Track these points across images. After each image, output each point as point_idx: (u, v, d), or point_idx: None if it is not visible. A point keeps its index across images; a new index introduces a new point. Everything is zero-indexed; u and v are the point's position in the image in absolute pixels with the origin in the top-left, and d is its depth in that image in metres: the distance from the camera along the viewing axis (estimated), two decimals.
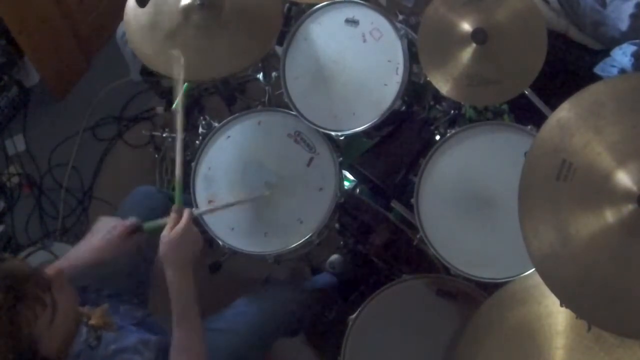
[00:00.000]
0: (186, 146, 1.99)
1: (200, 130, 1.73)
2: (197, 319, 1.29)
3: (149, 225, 1.39)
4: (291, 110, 1.58)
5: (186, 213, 1.32)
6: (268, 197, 1.55)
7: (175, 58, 1.40)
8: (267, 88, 1.81)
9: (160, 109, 2.28)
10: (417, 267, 1.55)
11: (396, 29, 1.52)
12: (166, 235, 1.29)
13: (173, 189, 2.08)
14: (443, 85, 1.41)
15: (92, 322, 1.16)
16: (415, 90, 1.58)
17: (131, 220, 1.39)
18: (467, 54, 1.39)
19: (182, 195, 1.36)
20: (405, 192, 1.53)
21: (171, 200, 1.40)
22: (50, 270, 1.13)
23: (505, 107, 1.76)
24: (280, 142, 1.60)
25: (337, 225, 1.64)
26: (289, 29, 1.62)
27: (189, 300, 1.28)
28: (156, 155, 2.26)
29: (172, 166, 2.14)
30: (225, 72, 1.58)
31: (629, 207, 0.95)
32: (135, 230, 1.38)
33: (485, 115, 1.76)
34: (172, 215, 1.32)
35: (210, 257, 1.82)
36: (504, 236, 1.37)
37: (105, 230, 1.37)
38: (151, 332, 1.35)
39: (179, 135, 1.38)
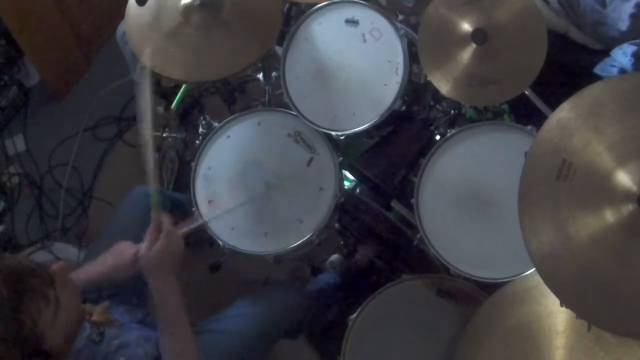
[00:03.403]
0: (186, 146, 2.00)
1: (200, 130, 1.73)
2: (184, 325, 1.28)
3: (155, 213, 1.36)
4: (291, 110, 1.58)
5: (164, 226, 1.30)
6: (267, 192, 1.55)
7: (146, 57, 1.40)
8: (267, 88, 1.81)
9: (160, 109, 2.28)
10: (417, 267, 1.55)
11: (396, 29, 1.52)
12: (144, 254, 1.28)
13: (174, 189, 2.10)
14: (443, 85, 1.41)
15: (94, 318, 1.16)
16: (415, 90, 1.58)
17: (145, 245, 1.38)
18: (467, 54, 1.39)
19: (159, 203, 1.33)
20: (405, 192, 1.53)
21: (168, 198, 1.39)
22: (54, 266, 1.14)
23: (505, 107, 1.76)
24: (280, 142, 1.60)
25: (337, 225, 1.64)
26: (289, 29, 1.62)
27: (174, 308, 1.28)
28: (156, 155, 2.25)
29: (172, 166, 2.13)
30: (225, 72, 1.58)
31: (629, 207, 0.95)
32: None
33: (485, 115, 1.77)
34: (150, 229, 1.30)
35: (210, 257, 1.81)
36: (504, 236, 1.37)
37: (120, 252, 1.37)
38: (152, 330, 1.35)
39: (150, 150, 1.37)
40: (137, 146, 2.32)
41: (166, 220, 1.32)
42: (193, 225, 1.47)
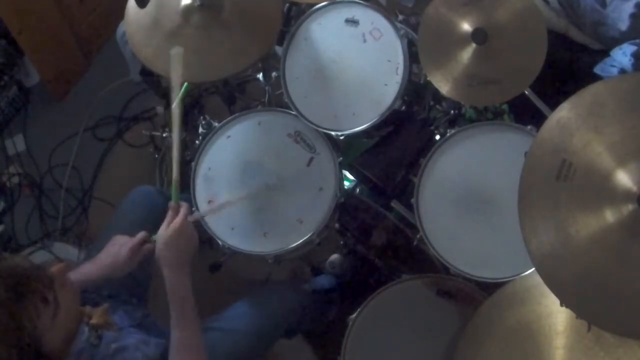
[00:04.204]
0: (186, 146, 1.99)
1: (200, 130, 1.73)
2: (195, 318, 1.29)
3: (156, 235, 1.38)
4: (291, 110, 1.58)
5: (182, 209, 1.33)
6: (267, 192, 1.56)
7: (175, 56, 1.41)
8: (267, 88, 1.81)
9: (160, 109, 2.28)
10: (417, 267, 1.55)
11: (396, 29, 1.52)
12: (162, 234, 1.29)
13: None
14: (443, 85, 1.41)
15: (93, 321, 1.16)
16: (415, 90, 1.58)
17: (140, 234, 1.38)
18: (467, 54, 1.39)
19: (178, 193, 1.37)
20: (405, 192, 1.53)
21: (169, 198, 1.40)
22: (53, 267, 1.13)
23: (505, 107, 1.76)
24: (280, 142, 1.60)
25: (337, 225, 1.64)
26: (289, 29, 1.62)
27: (187, 300, 1.28)
28: (156, 155, 2.26)
29: (172, 166, 2.13)
30: (225, 72, 1.58)
31: (629, 207, 0.95)
32: (144, 242, 1.38)
33: (485, 115, 1.76)
34: (169, 212, 1.33)
35: (210, 257, 1.81)
36: (504, 236, 1.37)
37: (117, 247, 1.37)
38: (150, 334, 1.35)
39: (176, 133, 1.38)
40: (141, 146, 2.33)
41: (185, 206, 1.34)
42: (200, 215, 1.50)
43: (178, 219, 1.30)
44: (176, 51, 1.41)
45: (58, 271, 1.13)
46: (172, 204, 1.34)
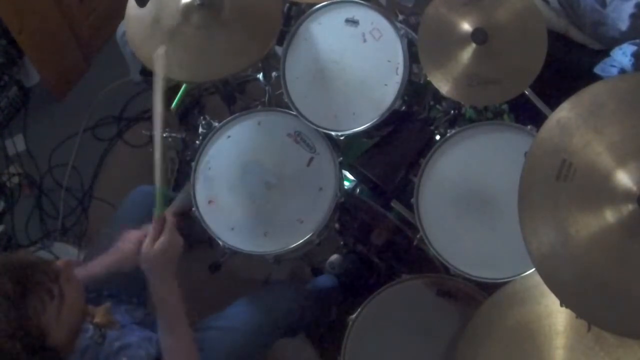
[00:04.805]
0: (186, 146, 2.00)
1: (200, 130, 1.73)
2: (184, 323, 1.28)
3: (158, 211, 1.32)
4: (291, 110, 1.58)
5: (167, 225, 1.29)
6: (267, 192, 1.55)
7: (159, 55, 1.37)
8: (267, 88, 1.81)
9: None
10: (417, 267, 1.55)
11: (396, 29, 1.52)
12: (147, 251, 1.26)
13: (174, 189, 2.10)
14: (443, 85, 1.41)
15: (97, 320, 1.17)
16: (415, 90, 1.58)
17: (146, 228, 1.35)
18: (467, 54, 1.39)
19: (162, 204, 1.32)
20: (405, 192, 1.53)
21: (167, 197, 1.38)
22: (59, 261, 1.14)
23: (505, 107, 1.76)
24: (280, 142, 1.60)
25: (337, 225, 1.64)
26: (289, 29, 1.62)
27: (175, 306, 1.28)
28: (160, 156, 2.25)
29: (172, 166, 2.13)
30: (225, 72, 1.58)
31: (629, 207, 0.95)
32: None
33: (485, 115, 1.76)
34: (153, 225, 1.29)
35: (210, 257, 1.81)
36: (504, 236, 1.37)
37: (122, 244, 1.36)
38: (152, 331, 1.35)
39: (158, 139, 1.32)
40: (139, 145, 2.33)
41: (170, 219, 1.31)
42: (180, 202, 1.45)
43: (164, 238, 1.26)
44: (160, 51, 1.38)
45: (64, 265, 1.13)
46: (155, 217, 1.29)
